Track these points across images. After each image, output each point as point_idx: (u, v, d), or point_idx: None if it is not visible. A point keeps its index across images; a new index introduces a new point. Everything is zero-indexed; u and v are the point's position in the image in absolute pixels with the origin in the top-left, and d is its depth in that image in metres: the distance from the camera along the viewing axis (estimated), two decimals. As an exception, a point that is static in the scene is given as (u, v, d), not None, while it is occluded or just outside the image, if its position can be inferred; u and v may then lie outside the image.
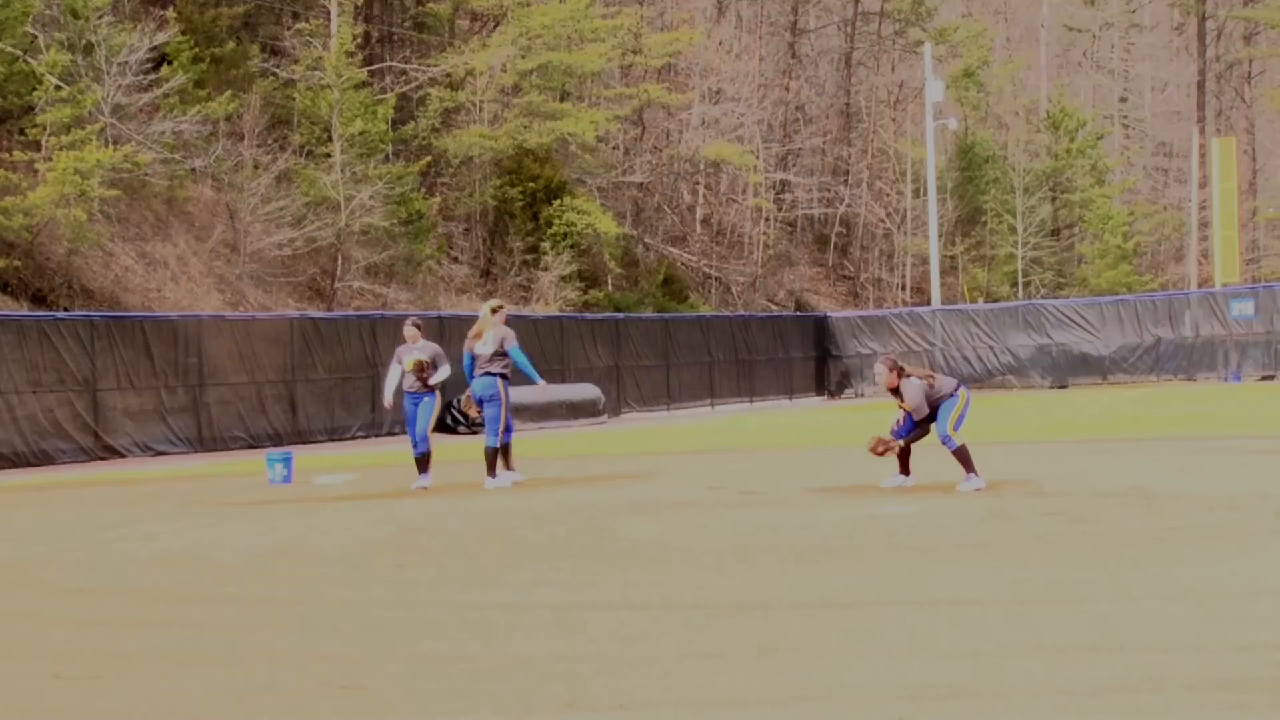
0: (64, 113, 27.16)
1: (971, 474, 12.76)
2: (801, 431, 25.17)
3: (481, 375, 15.07)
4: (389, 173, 33.83)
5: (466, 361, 15.27)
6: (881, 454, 13.07)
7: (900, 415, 13.00)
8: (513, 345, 15.11)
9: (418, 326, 15.61)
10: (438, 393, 15.45)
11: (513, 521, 12.01)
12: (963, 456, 12.74)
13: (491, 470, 15.21)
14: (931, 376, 12.92)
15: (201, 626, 7.65)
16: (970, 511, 11.37)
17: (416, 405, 15.35)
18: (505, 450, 15.42)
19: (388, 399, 16.05)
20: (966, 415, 12.82)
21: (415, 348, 15.42)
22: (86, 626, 7.85)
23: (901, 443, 13.02)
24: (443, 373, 15.33)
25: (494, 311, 15.30)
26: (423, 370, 15.25)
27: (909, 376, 12.73)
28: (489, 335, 15.11)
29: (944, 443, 12.75)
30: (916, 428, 12.92)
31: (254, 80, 34.47)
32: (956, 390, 12.85)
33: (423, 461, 15.39)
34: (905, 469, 13.31)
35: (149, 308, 28.73)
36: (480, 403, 15.19)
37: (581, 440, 24.87)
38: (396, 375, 15.64)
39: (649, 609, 7.65)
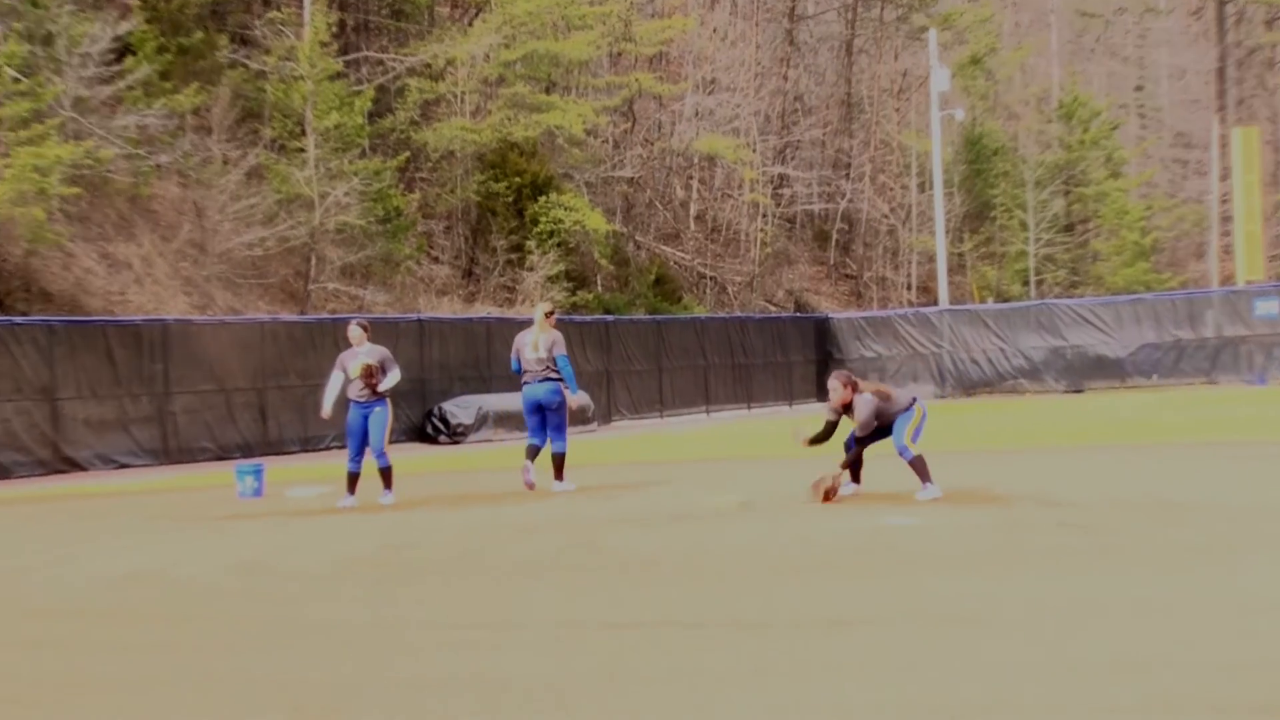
0: (22, 106, 27.11)
1: (928, 483, 13.21)
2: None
3: (542, 380, 15.31)
4: (365, 168, 33.79)
5: (515, 366, 15.52)
6: (831, 496, 13.37)
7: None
8: (562, 353, 15.39)
9: (364, 328, 15.10)
10: (388, 401, 14.98)
11: (498, 535, 11.99)
12: (919, 466, 13.24)
13: (560, 474, 15.71)
14: (887, 393, 13.60)
15: (167, 649, 7.62)
16: (979, 523, 11.38)
17: (366, 416, 14.82)
18: (530, 452, 15.59)
19: (327, 410, 15.29)
20: (924, 427, 13.43)
21: (360, 351, 14.90)
22: (41, 650, 7.81)
23: (841, 471, 13.49)
24: (392, 378, 14.90)
25: (547, 316, 15.47)
26: (371, 376, 14.73)
27: (862, 393, 13.37)
28: (541, 340, 15.32)
29: (901, 453, 13.30)
30: (859, 444, 13.48)
31: (223, 71, 34.43)
32: (913, 405, 13.49)
33: (385, 476, 15.12)
34: (856, 477, 13.90)
35: (111, 312, 28.68)
36: (545, 410, 15.36)
37: (570, 449, 24.78)
38: (338, 384, 15.02)
39: (641, 627, 7.64)
